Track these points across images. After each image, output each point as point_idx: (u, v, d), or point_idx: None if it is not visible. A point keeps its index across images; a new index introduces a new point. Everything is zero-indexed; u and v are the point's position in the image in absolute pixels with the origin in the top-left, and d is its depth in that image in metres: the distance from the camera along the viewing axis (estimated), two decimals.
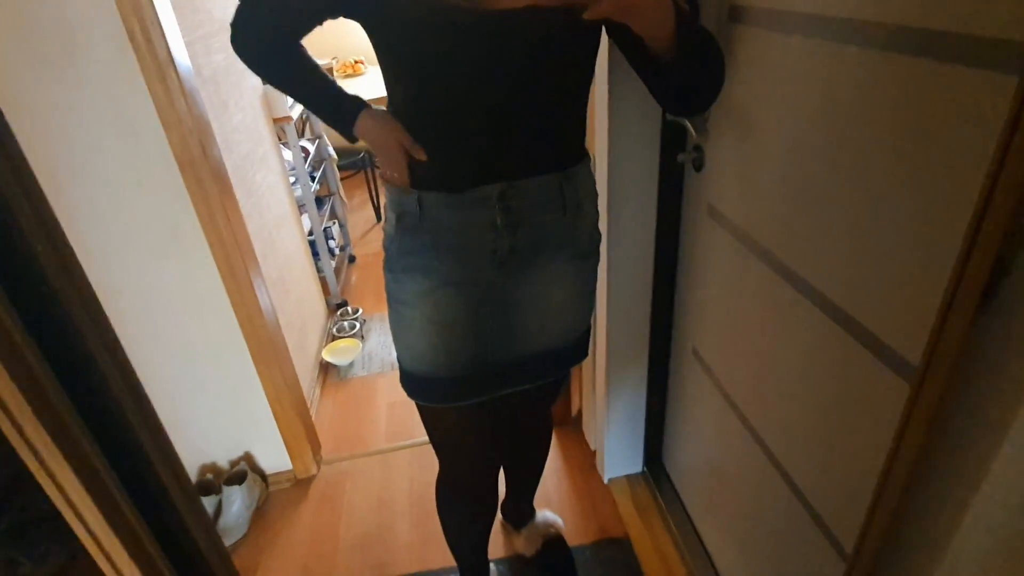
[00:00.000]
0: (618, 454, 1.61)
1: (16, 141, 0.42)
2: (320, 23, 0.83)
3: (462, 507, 1.20)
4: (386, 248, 0.93)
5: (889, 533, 0.62)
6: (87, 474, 0.42)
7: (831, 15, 0.69)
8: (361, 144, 0.94)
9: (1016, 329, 0.44)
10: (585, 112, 0.88)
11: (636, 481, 1.64)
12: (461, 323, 0.90)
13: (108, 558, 0.44)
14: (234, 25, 0.85)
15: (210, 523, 0.62)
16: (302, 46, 0.90)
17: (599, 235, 0.97)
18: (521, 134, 0.82)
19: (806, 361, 0.86)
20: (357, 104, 0.89)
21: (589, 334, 1.05)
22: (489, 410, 1.05)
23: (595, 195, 0.95)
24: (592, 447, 1.75)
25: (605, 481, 1.66)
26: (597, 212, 0.96)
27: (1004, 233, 0.36)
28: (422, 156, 0.83)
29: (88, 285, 0.46)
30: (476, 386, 0.96)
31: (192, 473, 1.71)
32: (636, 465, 1.65)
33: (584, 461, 1.76)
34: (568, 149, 0.88)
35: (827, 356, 0.80)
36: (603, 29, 0.83)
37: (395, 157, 0.85)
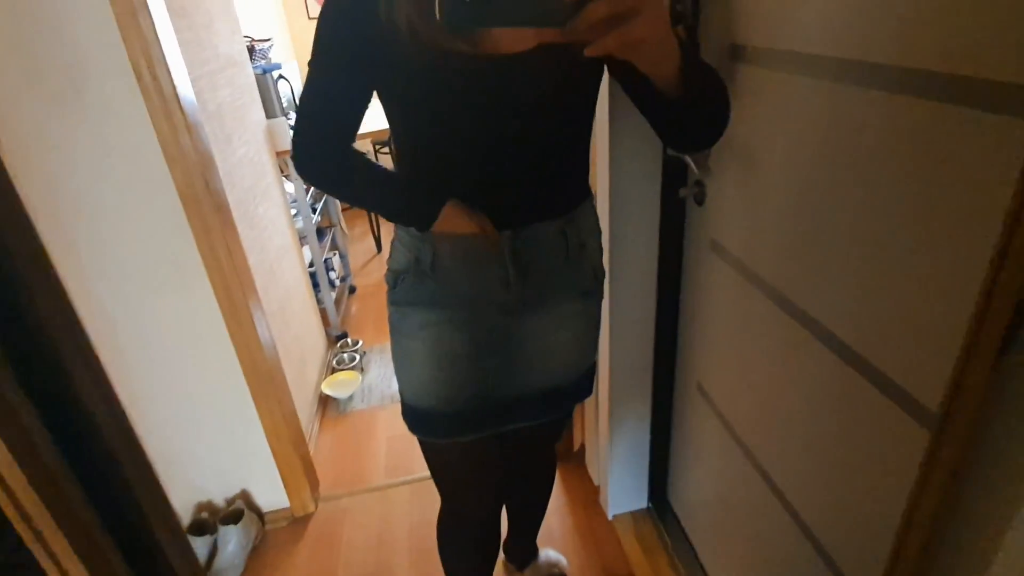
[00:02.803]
0: (622, 490, 1.58)
1: (13, 185, 0.41)
2: (364, 105, 0.81)
3: (464, 546, 1.17)
4: (390, 282, 0.92)
5: None
6: (71, 523, 0.40)
7: (831, 55, 0.70)
8: None
9: None
10: (587, 153, 0.89)
11: (641, 518, 1.60)
12: (464, 357, 0.89)
13: None
14: (295, 143, 0.82)
15: (200, 570, 0.59)
16: (362, 153, 0.86)
17: (603, 272, 0.97)
18: (525, 179, 0.82)
19: (814, 400, 0.84)
20: (435, 202, 0.82)
21: (594, 371, 1.04)
22: (492, 446, 1.03)
23: (598, 232, 0.95)
24: (596, 482, 1.72)
25: (609, 517, 1.62)
26: (601, 249, 0.96)
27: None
28: (498, 237, 0.82)
29: (79, 323, 0.45)
30: (478, 421, 0.94)
31: (187, 512, 1.67)
32: (641, 501, 1.61)
33: (587, 497, 1.72)
34: (571, 192, 0.88)
35: (836, 396, 0.79)
36: (605, 69, 0.84)
37: (470, 225, 0.81)
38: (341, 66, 0.77)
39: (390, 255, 0.94)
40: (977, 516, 0.53)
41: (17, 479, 0.35)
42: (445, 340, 0.88)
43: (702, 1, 0.98)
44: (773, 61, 0.82)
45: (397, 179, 0.87)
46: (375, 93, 0.80)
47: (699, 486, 1.37)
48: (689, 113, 0.72)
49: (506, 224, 0.82)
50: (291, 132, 2.32)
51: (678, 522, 1.52)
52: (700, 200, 1.12)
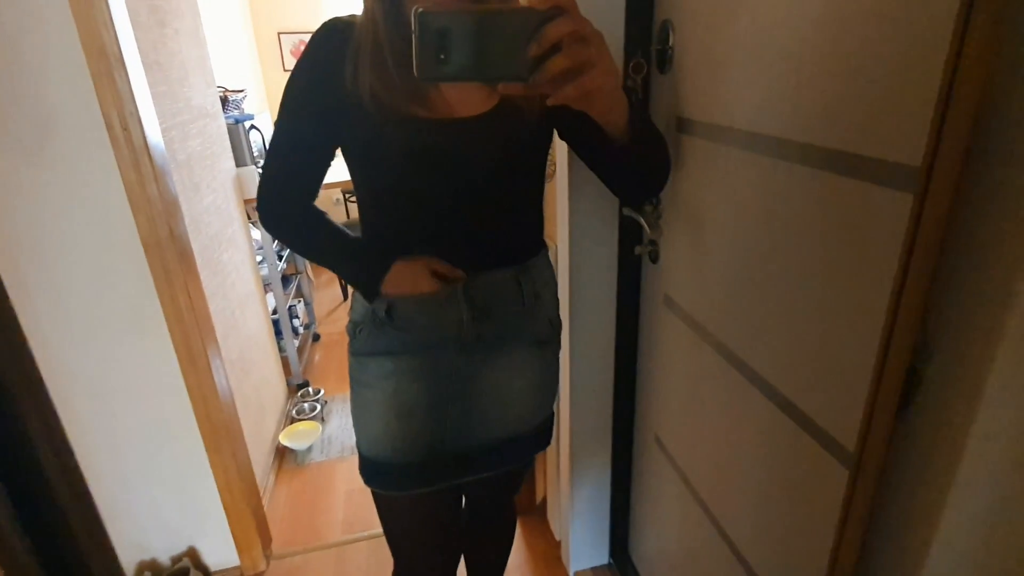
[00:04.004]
0: (584, 544, 1.57)
1: None
2: (327, 165, 0.86)
3: None
4: (351, 333, 0.94)
5: None
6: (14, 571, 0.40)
7: (761, 132, 0.77)
8: None
9: (934, 433, 0.47)
10: (539, 208, 0.94)
11: (602, 574, 1.59)
12: (421, 407, 0.91)
13: None
14: (260, 197, 0.87)
15: None
16: (324, 213, 0.92)
17: (559, 322, 1.00)
18: (479, 233, 0.86)
19: (757, 448, 0.88)
20: (383, 264, 0.86)
21: (552, 421, 1.06)
22: (448, 504, 1.03)
23: (553, 284, 0.99)
24: (557, 537, 1.70)
25: (570, 574, 1.60)
26: (556, 300, 0.99)
27: (912, 347, 0.40)
28: (459, 274, 0.85)
29: (37, 373, 0.46)
30: (435, 473, 0.94)
31: (129, 571, 1.59)
32: (602, 556, 1.60)
33: (549, 552, 1.70)
34: (525, 243, 0.92)
35: (775, 442, 0.83)
36: (552, 134, 0.90)
37: (428, 287, 0.85)
38: (307, 126, 0.82)
39: (351, 307, 0.96)
40: (895, 556, 0.57)
41: None
42: (402, 390, 0.90)
43: (651, 77, 1.07)
44: (713, 134, 0.89)
45: (350, 245, 0.90)
46: (339, 151, 0.85)
47: (659, 540, 1.38)
48: (635, 160, 0.78)
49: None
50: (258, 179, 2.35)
51: None
52: (654, 258, 1.18)
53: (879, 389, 0.45)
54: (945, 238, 0.42)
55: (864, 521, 0.52)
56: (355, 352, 0.93)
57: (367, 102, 0.75)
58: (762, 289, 0.82)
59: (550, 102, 0.57)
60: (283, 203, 0.88)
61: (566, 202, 1.20)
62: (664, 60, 1.02)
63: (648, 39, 1.06)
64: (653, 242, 1.17)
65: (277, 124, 0.83)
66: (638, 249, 1.22)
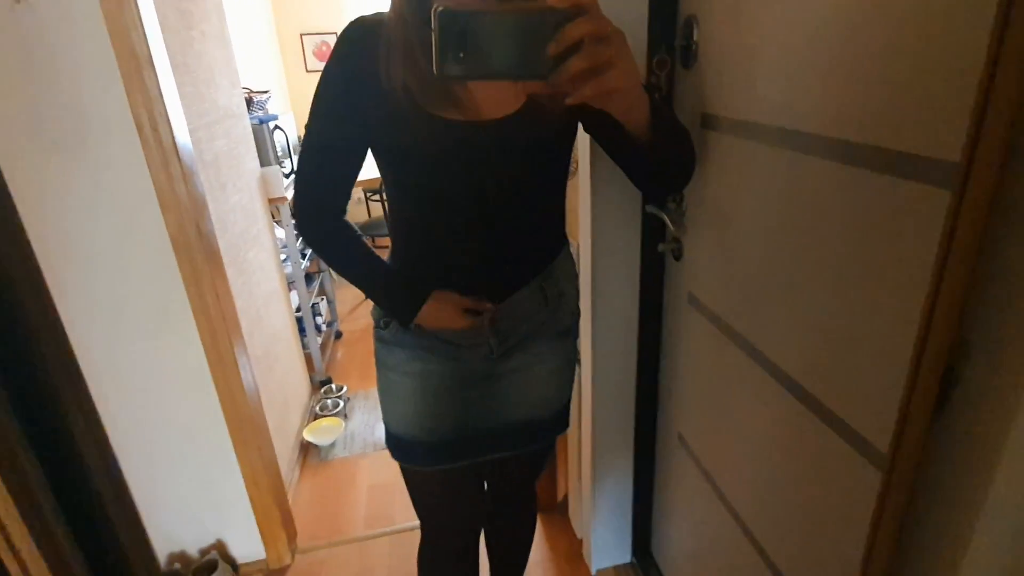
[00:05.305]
0: (606, 543, 1.56)
1: (23, 228, 0.44)
2: (360, 164, 0.87)
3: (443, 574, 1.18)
4: (377, 322, 0.96)
5: None
6: (55, 559, 0.41)
7: (788, 127, 0.76)
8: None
9: (971, 434, 0.46)
10: (563, 205, 0.94)
11: (624, 572, 1.58)
12: (445, 390, 0.94)
13: None
14: (296, 204, 0.89)
15: None
16: (360, 235, 0.92)
17: (578, 311, 1.02)
18: (508, 236, 0.87)
19: (784, 448, 0.87)
20: (419, 296, 0.88)
21: (569, 406, 1.08)
22: (473, 476, 1.07)
23: (575, 276, 1.00)
24: (579, 535, 1.70)
25: (592, 572, 1.59)
26: (577, 290, 1.01)
27: (949, 347, 0.39)
28: (488, 306, 0.88)
29: (80, 373, 0.47)
30: (458, 450, 0.98)
31: (160, 562, 1.63)
32: (624, 555, 1.60)
33: (570, 550, 1.70)
34: (548, 248, 0.93)
35: (803, 442, 0.81)
36: (576, 130, 0.89)
37: (460, 324, 0.89)
38: (341, 125, 0.82)
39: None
40: (930, 560, 0.55)
41: (11, 514, 0.37)
42: (428, 374, 0.93)
43: (676, 74, 1.06)
44: (739, 130, 0.88)
45: (384, 272, 0.92)
46: (371, 153, 0.86)
47: (682, 540, 1.37)
48: (659, 156, 0.77)
49: (489, 296, 0.88)
50: (284, 180, 2.39)
51: None
52: (678, 255, 1.17)
53: (914, 389, 0.44)
54: (984, 233, 0.40)
55: (898, 524, 0.51)
56: (381, 338, 0.96)
57: (400, 99, 0.75)
58: (790, 287, 0.81)
59: (569, 101, 0.57)
60: (319, 206, 0.89)
61: (588, 199, 1.20)
62: (688, 56, 1.01)
63: (672, 35, 1.05)
64: (677, 239, 1.16)
65: (309, 127, 0.83)
66: (661, 247, 1.21)
